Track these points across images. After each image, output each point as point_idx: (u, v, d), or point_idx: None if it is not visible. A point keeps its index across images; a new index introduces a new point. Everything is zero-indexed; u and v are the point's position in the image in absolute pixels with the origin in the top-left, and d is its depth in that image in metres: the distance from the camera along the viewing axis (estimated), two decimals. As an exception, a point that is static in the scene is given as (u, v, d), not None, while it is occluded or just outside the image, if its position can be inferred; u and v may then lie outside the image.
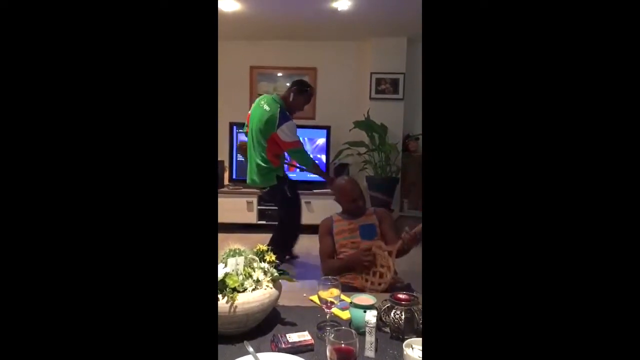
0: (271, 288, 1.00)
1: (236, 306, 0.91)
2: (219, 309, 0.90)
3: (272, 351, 0.89)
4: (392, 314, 0.98)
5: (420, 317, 0.97)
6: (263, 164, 2.43)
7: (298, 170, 3.01)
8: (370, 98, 3.79)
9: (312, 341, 0.92)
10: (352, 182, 1.73)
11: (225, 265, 0.98)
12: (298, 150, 2.42)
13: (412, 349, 0.89)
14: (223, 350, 0.89)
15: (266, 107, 2.39)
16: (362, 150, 3.64)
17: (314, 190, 3.48)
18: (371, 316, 0.89)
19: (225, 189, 3.65)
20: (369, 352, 0.89)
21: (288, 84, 2.60)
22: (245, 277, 0.98)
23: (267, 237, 2.61)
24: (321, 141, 3.72)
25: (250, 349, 0.86)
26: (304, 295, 1.24)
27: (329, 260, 1.66)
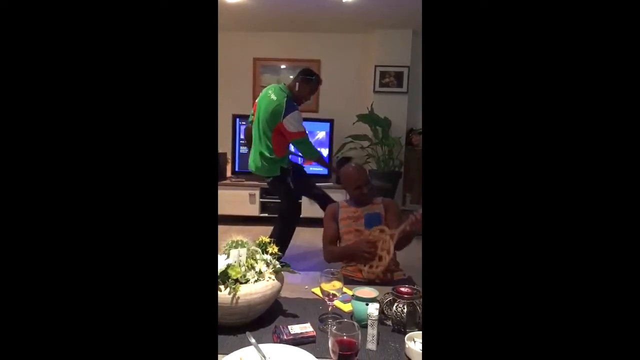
0: (273, 280, 1.00)
1: (238, 297, 0.91)
2: (221, 300, 0.90)
3: (274, 342, 0.90)
4: (394, 307, 0.98)
5: (422, 310, 0.97)
6: (268, 154, 2.41)
7: (300, 160, 3.00)
8: (374, 91, 3.76)
9: (314, 333, 0.92)
10: (358, 169, 1.70)
11: (228, 257, 0.98)
12: (303, 140, 2.39)
13: (414, 342, 0.89)
14: (225, 340, 0.89)
15: (273, 97, 2.37)
16: (365, 143, 3.62)
17: (316, 184, 3.47)
18: (373, 309, 0.89)
19: (227, 181, 3.65)
20: (371, 345, 0.89)
21: (291, 76, 2.58)
22: (248, 268, 0.98)
23: (270, 229, 2.61)
24: (324, 134, 3.70)
25: (252, 340, 0.86)
26: (306, 287, 1.24)
27: (331, 246, 1.66)
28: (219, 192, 3.51)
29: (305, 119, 2.65)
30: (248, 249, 1.02)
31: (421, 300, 0.99)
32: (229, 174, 3.78)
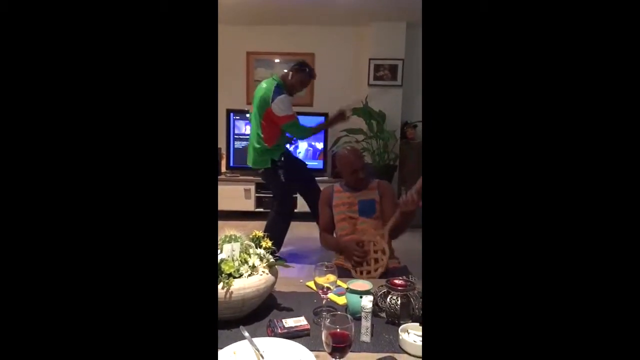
0: (267, 274, 0.99)
1: (232, 292, 0.91)
2: (215, 295, 0.90)
3: (268, 336, 0.90)
4: (388, 299, 0.98)
5: (416, 302, 0.98)
6: (257, 144, 2.41)
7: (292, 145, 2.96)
8: (369, 84, 3.75)
9: (309, 326, 0.93)
10: (354, 153, 1.63)
11: (221, 251, 0.98)
12: (293, 123, 2.38)
13: (408, 333, 0.89)
14: (219, 335, 0.89)
15: (263, 85, 2.40)
16: (360, 137, 3.61)
17: (314, 178, 3.47)
18: (367, 301, 0.90)
19: (222, 177, 3.63)
20: (365, 337, 0.89)
21: (285, 70, 2.57)
22: (241, 263, 0.98)
23: (265, 224, 2.61)
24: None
25: (246, 334, 0.86)
26: (301, 281, 1.24)
27: (326, 234, 1.65)
28: (217, 187, 3.50)
29: (300, 113, 2.64)
30: (241, 244, 1.02)
31: (415, 292, 0.99)
32: (223, 169, 3.76)
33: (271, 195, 2.84)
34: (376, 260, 1.47)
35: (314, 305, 1.06)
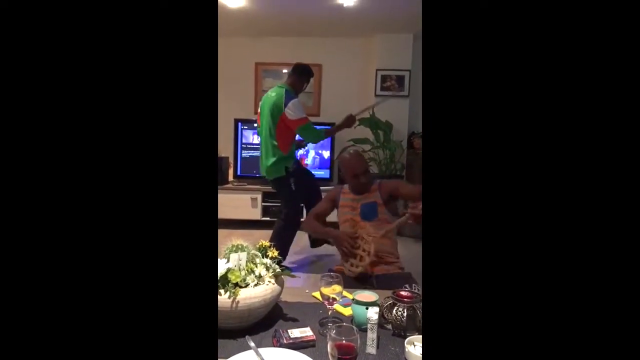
0: (273, 284, 1.00)
1: (238, 301, 0.91)
2: (221, 304, 0.90)
3: (274, 346, 0.90)
4: (394, 311, 0.98)
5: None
6: (273, 156, 2.44)
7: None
8: (376, 95, 3.77)
9: (314, 337, 0.92)
10: (356, 157, 1.61)
11: (228, 261, 0.99)
12: (306, 126, 2.41)
13: (414, 346, 0.89)
14: (224, 345, 0.89)
15: (272, 94, 2.44)
16: (367, 147, 3.62)
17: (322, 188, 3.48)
18: (373, 313, 0.89)
19: (229, 185, 3.66)
20: (371, 349, 0.88)
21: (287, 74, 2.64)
22: (248, 272, 0.98)
23: (271, 233, 2.61)
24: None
25: (252, 344, 0.86)
26: (307, 291, 1.24)
27: (313, 219, 1.66)
28: (221, 196, 3.52)
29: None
30: (248, 253, 1.02)
31: (421, 304, 0.99)
32: (230, 178, 3.79)
33: (279, 204, 2.86)
34: (361, 259, 1.48)
35: (320, 315, 1.06)
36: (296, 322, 1.03)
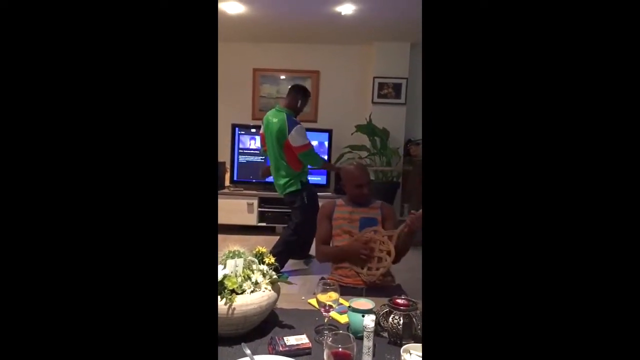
0: (270, 290, 0.99)
1: (234, 308, 0.91)
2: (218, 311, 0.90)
3: (269, 354, 0.89)
4: (390, 319, 0.98)
5: (419, 322, 0.97)
6: (285, 176, 2.54)
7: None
8: (373, 102, 3.79)
9: (310, 344, 0.92)
10: (359, 168, 1.64)
11: (224, 267, 0.98)
12: (308, 152, 2.51)
13: (410, 354, 0.89)
14: (220, 352, 0.89)
15: (274, 120, 2.54)
16: (364, 154, 3.64)
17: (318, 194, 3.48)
18: (369, 320, 0.89)
19: (226, 190, 3.65)
20: (367, 357, 0.88)
21: (290, 86, 2.70)
22: (244, 279, 0.98)
23: (268, 238, 2.62)
24: (323, 144, 3.72)
25: (248, 351, 0.85)
26: (303, 298, 1.24)
27: (323, 246, 1.63)
28: (218, 201, 3.51)
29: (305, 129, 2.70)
30: (245, 259, 1.02)
31: (417, 312, 0.99)
32: (227, 183, 3.78)
33: (276, 211, 2.90)
34: (379, 260, 1.46)
35: (316, 323, 1.06)
36: (292, 329, 1.02)
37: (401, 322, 0.96)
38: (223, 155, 3.69)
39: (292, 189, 2.55)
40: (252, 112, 4.00)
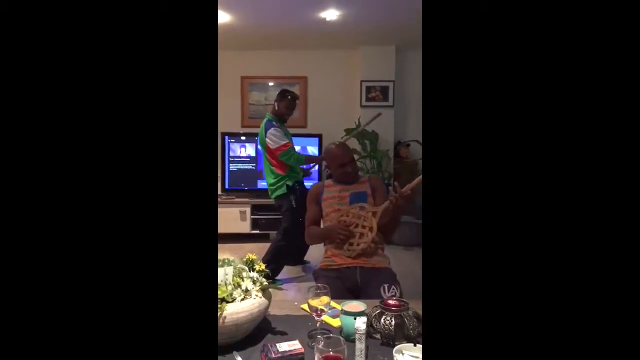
0: (260, 297, 0.99)
1: (225, 317, 0.91)
2: (208, 320, 0.89)
3: (262, 361, 0.89)
4: (382, 320, 0.98)
5: (410, 322, 0.97)
6: (272, 177, 2.57)
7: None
8: (361, 105, 3.82)
9: (302, 350, 0.92)
10: (342, 147, 1.64)
11: (214, 276, 0.98)
12: (286, 152, 2.51)
13: (402, 354, 0.89)
14: (212, 361, 0.88)
15: (261, 125, 2.60)
16: (355, 157, 3.65)
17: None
18: (361, 323, 0.89)
19: (218, 199, 3.63)
20: (359, 359, 0.88)
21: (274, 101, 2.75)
22: (234, 287, 0.98)
23: (261, 246, 2.61)
24: (313, 149, 3.73)
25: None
26: (295, 303, 1.24)
27: (310, 227, 1.63)
28: (217, 209, 3.49)
29: (294, 135, 2.72)
30: (235, 267, 1.02)
31: (409, 312, 0.99)
32: (219, 191, 3.77)
33: (269, 217, 2.92)
34: (361, 235, 1.47)
35: (309, 328, 1.05)
36: (285, 336, 1.02)
37: (393, 322, 0.97)
38: (213, 164, 3.69)
39: (279, 192, 2.56)
40: (242, 119, 4.00)
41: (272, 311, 1.10)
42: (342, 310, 1.03)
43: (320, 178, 3.75)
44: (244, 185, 3.70)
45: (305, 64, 3.94)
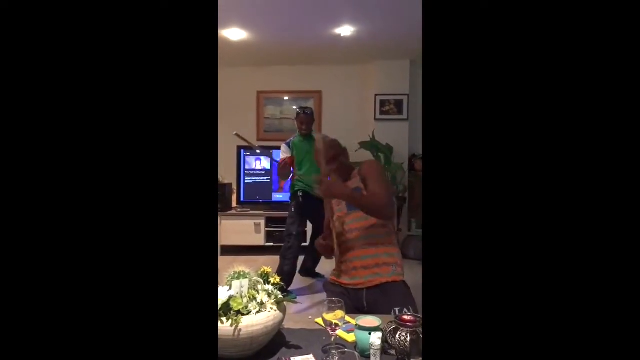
0: (275, 310, 0.99)
1: (240, 329, 0.91)
2: (223, 332, 0.90)
3: (277, 375, 0.89)
4: (397, 336, 0.97)
5: (426, 339, 0.96)
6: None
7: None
8: (375, 119, 3.83)
9: (317, 365, 0.91)
10: (326, 142, 1.53)
11: (230, 288, 0.99)
12: (279, 165, 2.77)
13: (418, 372, 0.87)
14: (227, 374, 0.88)
15: None
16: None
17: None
18: (376, 338, 0.89)
19: (233, 212, 3.67)
20: (374, 376, 0.87)
21: (294, 107, 2.89)
22: (250, 299, 0.98)
23: (275, 258, 2.62)
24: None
25: (254, 373, 0.85)
26: (310, 317, 1.23)
27: (317, 240, 1.59)
28: (225, 222, 3.53)
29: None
30: (250, 280, 1.03)
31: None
32: (234, 204, 3.81)
33: (284, 229, 2.95)
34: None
35: (324, 342, 1.05)
36: (299, 350, 1.02)
37: (408, 338, 0.95)
38: (229, 176, 3.74)
39: (292, 196, 2.76)
40: (257, 133, 4.06)
41: (287, 325, 1.10)
42: (356, 325, 1.03)
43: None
44: (258, 198, 3.74)
45: (319, 79, 4.00)
